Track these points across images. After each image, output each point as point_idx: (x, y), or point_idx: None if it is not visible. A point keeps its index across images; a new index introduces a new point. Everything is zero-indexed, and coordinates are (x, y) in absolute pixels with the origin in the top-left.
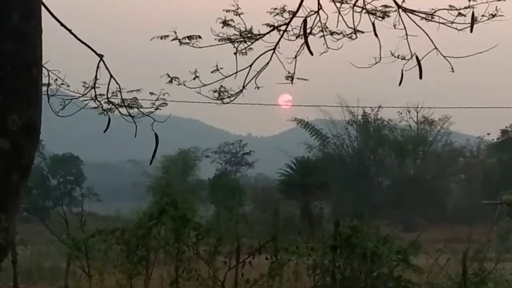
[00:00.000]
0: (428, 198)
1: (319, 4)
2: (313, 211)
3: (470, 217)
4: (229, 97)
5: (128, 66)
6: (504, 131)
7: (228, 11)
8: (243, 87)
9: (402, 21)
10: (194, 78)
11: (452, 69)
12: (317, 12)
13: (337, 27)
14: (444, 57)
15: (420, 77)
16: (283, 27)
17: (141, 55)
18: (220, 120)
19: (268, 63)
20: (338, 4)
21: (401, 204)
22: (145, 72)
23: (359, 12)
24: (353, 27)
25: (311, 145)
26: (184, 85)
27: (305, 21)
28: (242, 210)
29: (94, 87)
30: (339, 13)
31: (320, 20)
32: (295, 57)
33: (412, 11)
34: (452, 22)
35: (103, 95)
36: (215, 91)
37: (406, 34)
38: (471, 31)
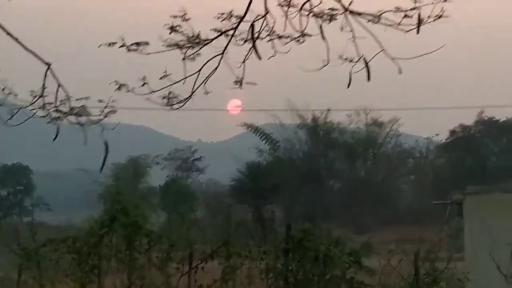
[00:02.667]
0: (379, 199)
1: (266, 8)
2: (265, 215)
3: (421, 217)
4: (178, 103)
5: (76, 73)
6: (452, 131)
7: (175, 17)
8: (192, 92)
9: (349, 24)
10: (142, 85)
11: (400, 71)
12: (264, 16)
13: (284, 30)
14: (392, 58)
15: (368, 79)
16: (230, 32)
17: (89, 62)
18: (170, 126)
19: (216, 68)
20: (285, 8)
21: (353, 206)
22: (93, 79)
23: (306, 16)
24: (300, 31)
25: (261, 150)
26: (133, 91)
27: (252, 26)
28: (194, 215)
29: (42, 96)
30: (286, 16)
31: (267, 24)
32: (244, 61)
33: (358, 14)
34: (398, 24)
35: (52, 103)
36: (164, 97)
37: (354, 36)
38: (418, 32)
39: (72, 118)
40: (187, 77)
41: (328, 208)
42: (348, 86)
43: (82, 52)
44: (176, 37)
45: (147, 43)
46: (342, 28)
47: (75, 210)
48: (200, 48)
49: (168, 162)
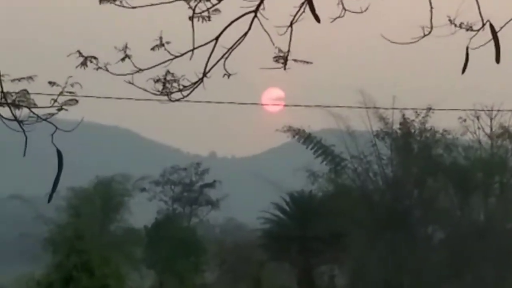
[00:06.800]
0: (510, 261)
1: None
2: (319, 280)
3: None
4: (180, 90)
5: (15, 40)
6: None
7: None
8: (204, 74)
9: None
10: (123, 59)
11: None
12: None
13: None
14: None
15: (497, 59)
16: None
17: (36, 23)
18: (164, 130)
19: (245, 34)
20: None
21: (465, 271)
22: (42, 49)
23: None
24: None
25: (315, 173)
26: (107, 69)
27: None
28: (202, 278)
29: None
30: None
31: None
32: (291, 25)
33: None
34: None
35: None
36: (158, 80)
37: None
38: None
39: (5, 111)
40: (196, 48)
41: (423, 273)
42: (463, 70)
43: (24, 8)
44: None
45: None
46: None
47: (5, 262)
48: (219, 1)
49: (161, 188)
